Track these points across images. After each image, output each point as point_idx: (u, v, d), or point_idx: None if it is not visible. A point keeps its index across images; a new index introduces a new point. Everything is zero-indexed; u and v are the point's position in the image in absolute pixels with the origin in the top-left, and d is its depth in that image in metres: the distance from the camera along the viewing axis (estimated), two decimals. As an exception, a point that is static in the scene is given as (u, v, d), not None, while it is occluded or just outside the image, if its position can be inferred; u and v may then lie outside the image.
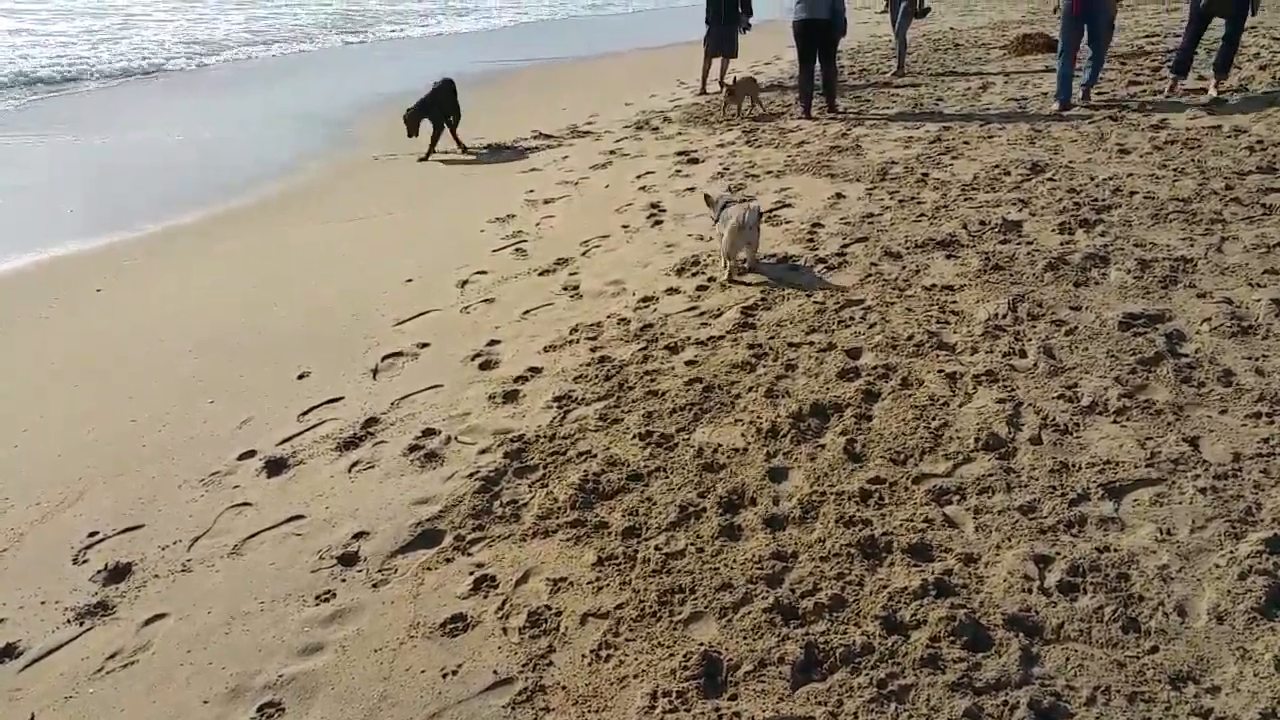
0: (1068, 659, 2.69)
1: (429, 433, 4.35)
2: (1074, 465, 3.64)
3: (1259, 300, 4.98)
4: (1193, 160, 7.87)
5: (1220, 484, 3.45)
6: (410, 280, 6.47)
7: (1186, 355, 4.45)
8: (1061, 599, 2.93)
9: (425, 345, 5.40)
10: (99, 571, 3.55)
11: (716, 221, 6.08)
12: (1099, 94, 10.90)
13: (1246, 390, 4.08)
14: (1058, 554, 3.13)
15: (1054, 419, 3.98)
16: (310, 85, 17.11)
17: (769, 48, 18.90)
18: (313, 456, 4.24)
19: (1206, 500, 3.36)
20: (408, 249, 7.30)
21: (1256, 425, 3.83)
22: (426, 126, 10.59)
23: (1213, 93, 10.12)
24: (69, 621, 3.29)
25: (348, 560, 3.48)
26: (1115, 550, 3.13)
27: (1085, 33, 10.20)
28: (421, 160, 10.49)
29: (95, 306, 6.40)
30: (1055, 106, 10.47)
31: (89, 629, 3.26)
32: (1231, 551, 3.07)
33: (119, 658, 3.11)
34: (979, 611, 2.91)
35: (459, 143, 10.97)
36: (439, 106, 10.63)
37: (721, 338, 5.11)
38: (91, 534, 3.80)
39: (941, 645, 2.77)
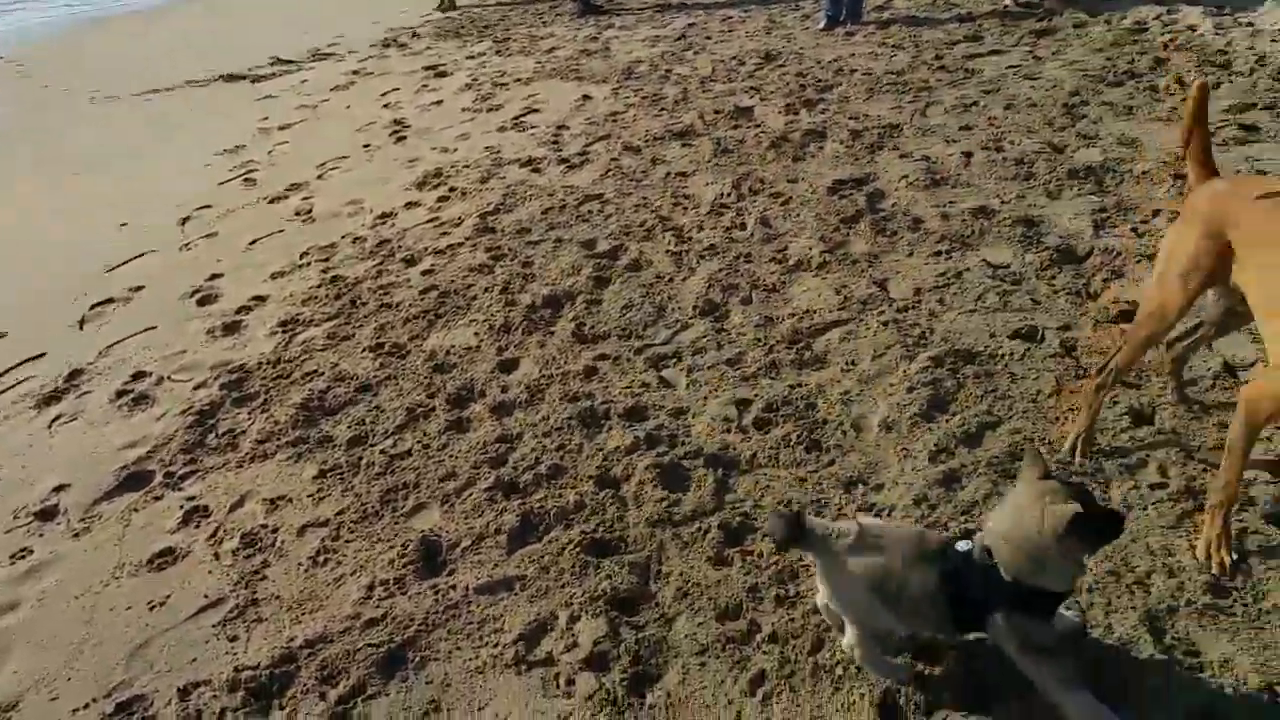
0: (757, 483, 2.93)
1: (139, 376, 4.11)
2: (778, 318, 3.90)
3: (951, 155, 5.43)
4: (909, 36, 8.39)
5: (901, 316, 3.79)
6: (125, 224, 5.98)
7: (884, 210, 4.82)
8: (756, 433, 3.17)
9: (139, 289, 5.04)
10: None
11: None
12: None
13: (931, 233, 4.48)
14: (756, 396, 3.37)
15: (764, 280, 4.23)
16: None
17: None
18: (8, 419, 3.91)
19: (888, 331, 3.69)
20: (124, 193, 6.73)
21: (937, 262, 4.21)
22: None
23: None
24: None
25: (46, 515, 3.27)
26: (805, 385, 3.40)
27: None
28: None
29: None
30: (821, 25, 9.17)
31: None
32: (904, 371, 3.40)
33: None
34: (683, 456, 3.10)
35: None
36: None
37: (460, 245, 5.06)
38: None
39: (647, 489, 2.94)
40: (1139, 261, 3.89)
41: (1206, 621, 2.24)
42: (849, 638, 2.22)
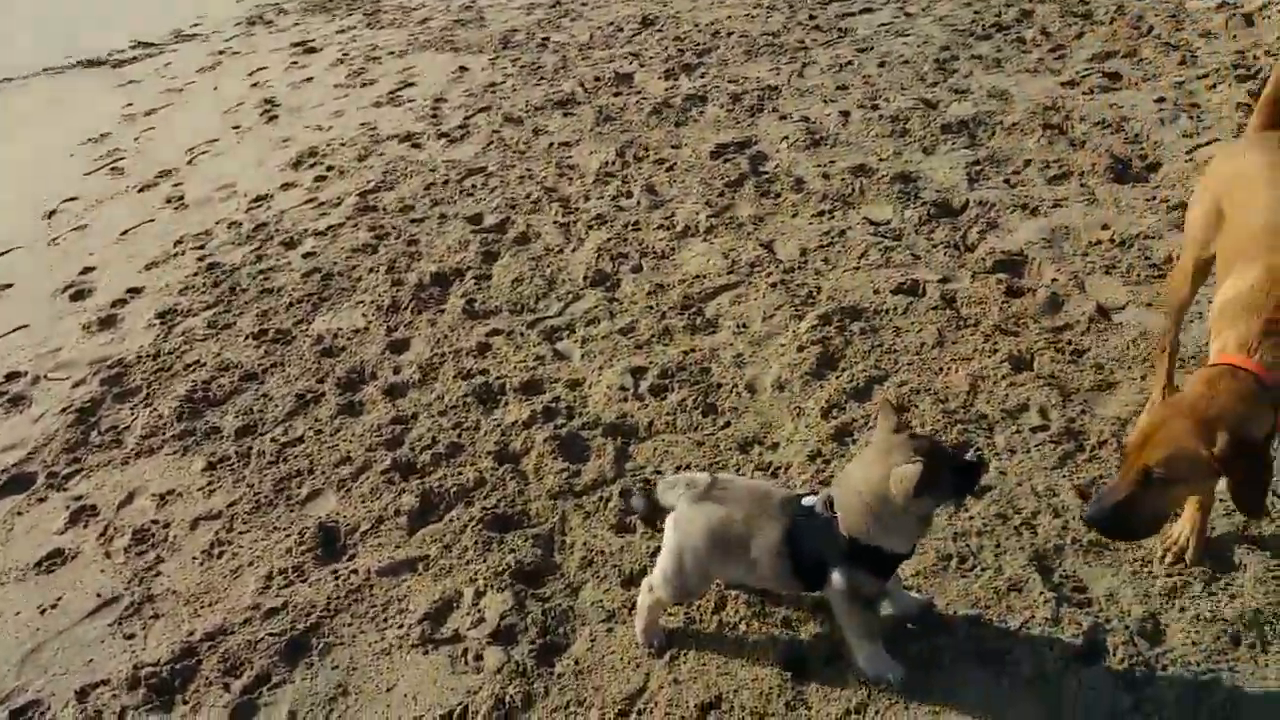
0: (655, 449, 2.99)
1: (13, 376, 3.95)
2: (668, 285, 3.96)
3: (830, 114, 5.56)
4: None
5: (788, 277, 3.90)
6: (-19, 222, 5.63)
7: (767, 172, 4.92)
8: (653, 400, 3.23)
9: (7, 286, 4.81)
10: None
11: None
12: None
13: (814, 193, 4.59)
14: (651, 363, 3.42)
15: (653, 247, 4.28)
16: None
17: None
18: None
19: (777, 293, 3.78)
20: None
21: (820, 222, 4.33)
22: None
23: None
24: None
25: (-81, 527, 3.10)
26: (699, 350, 3.47)
27: None
28: None
29: None
30: None
31: None
32: (794, 330, 3.50)
33: None
34: (581, 426, 3.14)
35: None
36: None
37: (342, 225, 4.94)
38: None
39: (546, 461, 2.97)
40: (1012, 212, 4.09)
41: (1092, 558, 2.39)
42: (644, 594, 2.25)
